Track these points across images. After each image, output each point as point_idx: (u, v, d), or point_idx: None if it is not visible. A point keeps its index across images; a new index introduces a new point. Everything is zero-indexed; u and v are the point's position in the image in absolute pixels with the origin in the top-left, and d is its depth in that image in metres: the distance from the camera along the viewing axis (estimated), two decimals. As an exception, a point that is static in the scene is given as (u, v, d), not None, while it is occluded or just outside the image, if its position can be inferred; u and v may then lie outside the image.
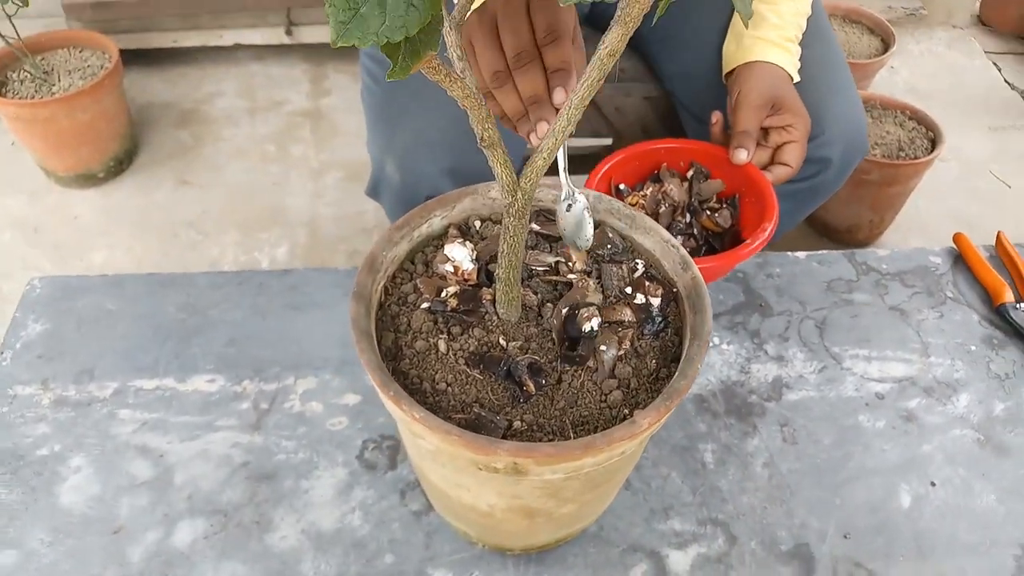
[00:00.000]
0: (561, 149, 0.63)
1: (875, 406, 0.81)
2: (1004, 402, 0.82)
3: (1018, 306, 0.88)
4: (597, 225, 0.64)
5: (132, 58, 1.97)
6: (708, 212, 0.87)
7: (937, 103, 1.98)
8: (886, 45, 1.81)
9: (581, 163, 1.26)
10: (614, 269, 0.61)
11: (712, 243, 0.87)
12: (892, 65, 2.11)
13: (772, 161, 0.89)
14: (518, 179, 0.51)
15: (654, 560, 0.69)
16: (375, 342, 0.55)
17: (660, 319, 0.59)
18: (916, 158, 1.48)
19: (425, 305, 0.58)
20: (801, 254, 0.96)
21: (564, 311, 0.57)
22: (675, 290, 0.61)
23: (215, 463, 0.73)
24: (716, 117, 0.89)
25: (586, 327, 0.56)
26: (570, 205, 0.61)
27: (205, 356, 0.81)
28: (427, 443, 0.52)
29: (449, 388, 0.54)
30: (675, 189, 0.87)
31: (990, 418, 0.80)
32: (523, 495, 0.55)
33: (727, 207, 0.87)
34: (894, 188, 1.51)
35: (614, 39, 0.44)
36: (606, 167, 0.86)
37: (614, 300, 0.60)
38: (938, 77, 2.13)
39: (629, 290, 0.61)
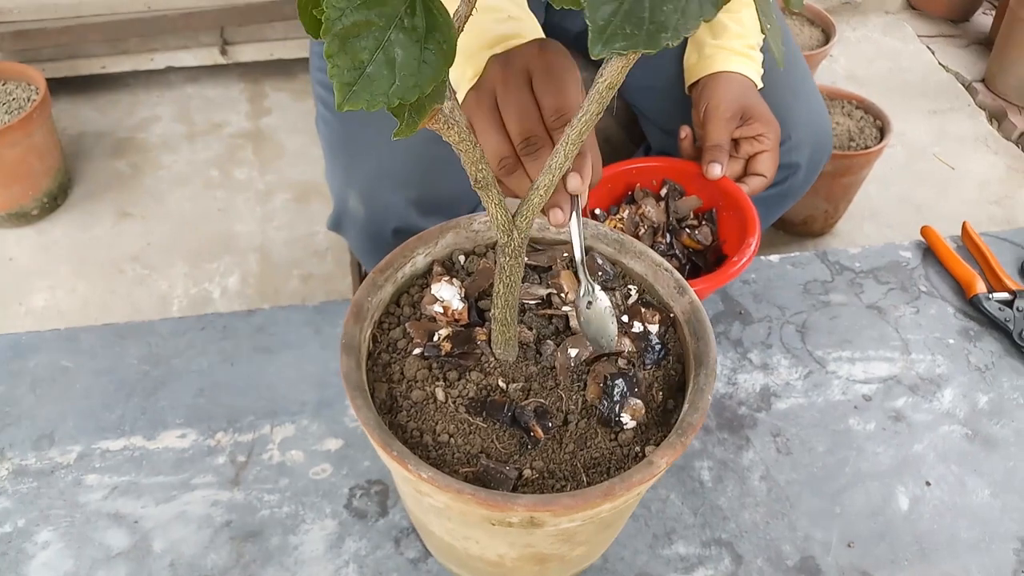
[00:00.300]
0: (577, 238, 0.58)
1: (863, 408, 0.81)
2: (987, 394, 0.82)
3: (990, 296, 0.89)
4: (587, 251, 0.62)
5: (59, 87, 1.88)
6: (688, 230, 0.85)
7: (876, 89, 2.01)
8: (827, 35, 1.83)
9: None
10: (608, 297, 0.59)
11: (695, 261, 0.85)
12: (831, 54, 2.14)
13: (745, 172, 0.88)
14: (513, 218, 0.48)
15: (662, 588, 0.67)
16: (370, 397, 0.52)
17: (660, 347, 0.58)
18: (867, 147, 1.50)
19: (417, 351, 0.55)
20: (775, 257, 0.96)
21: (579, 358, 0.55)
22: (672, 315, 0.59)
23: (196, 525, 0.69)
24: (685, 132, 0.88)
25: (625, 420, 0.53)
26: (590, 302, 0.56)
27: (174, 409, 0.77)
28: (435, 500, 0.50)
29: (451, 439, 0.52)
30: (652, 210, 0.85)
31: (975, 411, 0.81)
32: (536, 544, 0.53)
33: (706, 223, 0.86)
34: (847, 178, 1.52)
35: (613, 72, 0.42)
36: None
37: (611, 330, 0.58)
38: (876, 63, 2.16)
39: (626, 318, 0.59)
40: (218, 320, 0.85)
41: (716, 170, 0.82)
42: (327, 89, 0.92)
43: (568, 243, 0.63)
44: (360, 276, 1.31)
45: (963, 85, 2.09)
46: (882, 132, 1.55)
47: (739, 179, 0.86)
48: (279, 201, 1.71)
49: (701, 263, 0.85)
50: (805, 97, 0.94)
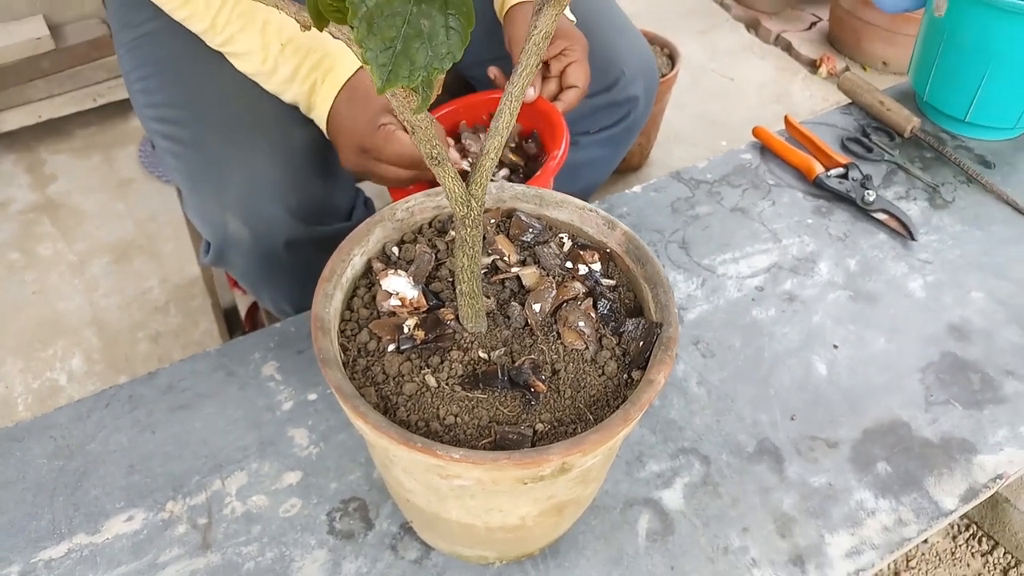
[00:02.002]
0: None
1: (760, 299, 0.88)
2: (853, 258, 0.92)
3: (828, 174, 0.99)
4: (512, 212, 0.64)
5: None
6: (514, 145, 0.90)
7: (647, 20, 2.14)
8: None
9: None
10: (546, 250, 0.61)
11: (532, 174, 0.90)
12: None
13: (560, 88, 0.91)
14: (468, 187, 0.49)
15: (651, 506, 0.71)
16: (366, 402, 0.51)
17: (607, 279, 0.60)
18: (664, 76, 1.60)
19: (392, 347, 0.55)
20: (637, 188, 1.01)
21: (545, 306, 0.56)
22: (608, 250, 0.62)
23: (181, 601, 0.65)
24: (493, 72, 0.92)
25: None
26: None
27: (109, 495, 0.71)
28: (463, 480, 0.50)
29: (457, 419, 0.52)
30: (473, 143, 0.89)
31: (849, 275, 0.90)
32: (557, 493, 0.55)
33: (531, 142, 0.91)
34: (654, 108, 1.62)
35: (547, 21, 0.43)
36: None
37: (558, 279, 0.60)
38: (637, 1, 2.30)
39: (569, 264, 0.61)
40: (120, 392, 0.79)
41: (530, 93, 0.86)
42: (167, 123, 0.87)
43: (490, 210, 0.64)
44: (225, 316, 1.25)
45: (717, 3, 2.27)
46: (672, 59, 1.66)
47: (556, 97, 0.90)
48: (97, 267, 1.58)
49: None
50: (628, 34, 1.00)
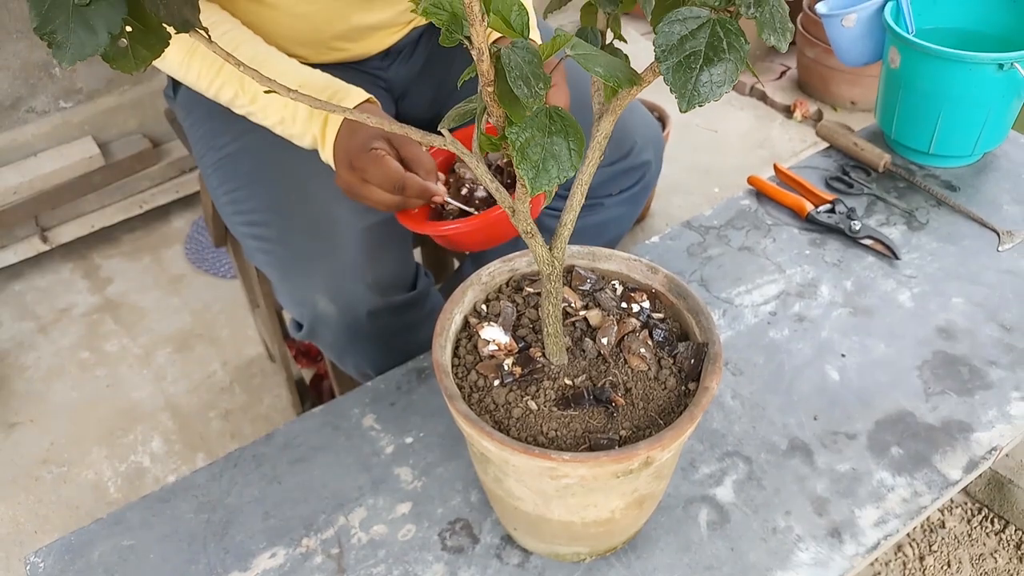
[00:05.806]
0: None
1: (774, 322, 1.03)
2: (848, 279, 1.08)
3: (818, 211, 1.15)
4: (571, 268, 0.79)
5: None
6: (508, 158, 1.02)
7: (631, 87, 2.34)
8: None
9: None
10: (603, 295, 0.76)
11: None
12: (582, 70, 2.45)
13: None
14: (551, 251, 0.64)
15: (708, 502, 0.84)
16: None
17: (657, 314, 0.75)
18: (659, 135, 1.78)
19: (496, 383, 0.69)
20: (655, 239, 1.17)
21: (613, 340, 0.71)
22: (654, 290, 0.77)
23: (330, 616, 0.78)
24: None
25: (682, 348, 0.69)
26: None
27: (252, 538, 0.85)
28: (570, 478, 0.64)
29: (558, 433, 0.66)
30: (468, 171, 0.99)
31: (847, 294, 1.06)
32: (640, 487, 0.69)
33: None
34: (652, 164, 1.80)
35: (607, 126, 0.59)
36: None
37: (617, 317, 0.75)
38: (619, 67, 2.49)
39: (624, 305, 0.76)
40: (245, 453, 0.93)
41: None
42: (255, 225, 1.02)
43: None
44: (299, 388, 1.39)
45: (694, 63, 2.47)
46: (663, 120, 1.84)
47: None
48: (162, 357, 1.72)
49: None
50: (637, 110, 1.17)
